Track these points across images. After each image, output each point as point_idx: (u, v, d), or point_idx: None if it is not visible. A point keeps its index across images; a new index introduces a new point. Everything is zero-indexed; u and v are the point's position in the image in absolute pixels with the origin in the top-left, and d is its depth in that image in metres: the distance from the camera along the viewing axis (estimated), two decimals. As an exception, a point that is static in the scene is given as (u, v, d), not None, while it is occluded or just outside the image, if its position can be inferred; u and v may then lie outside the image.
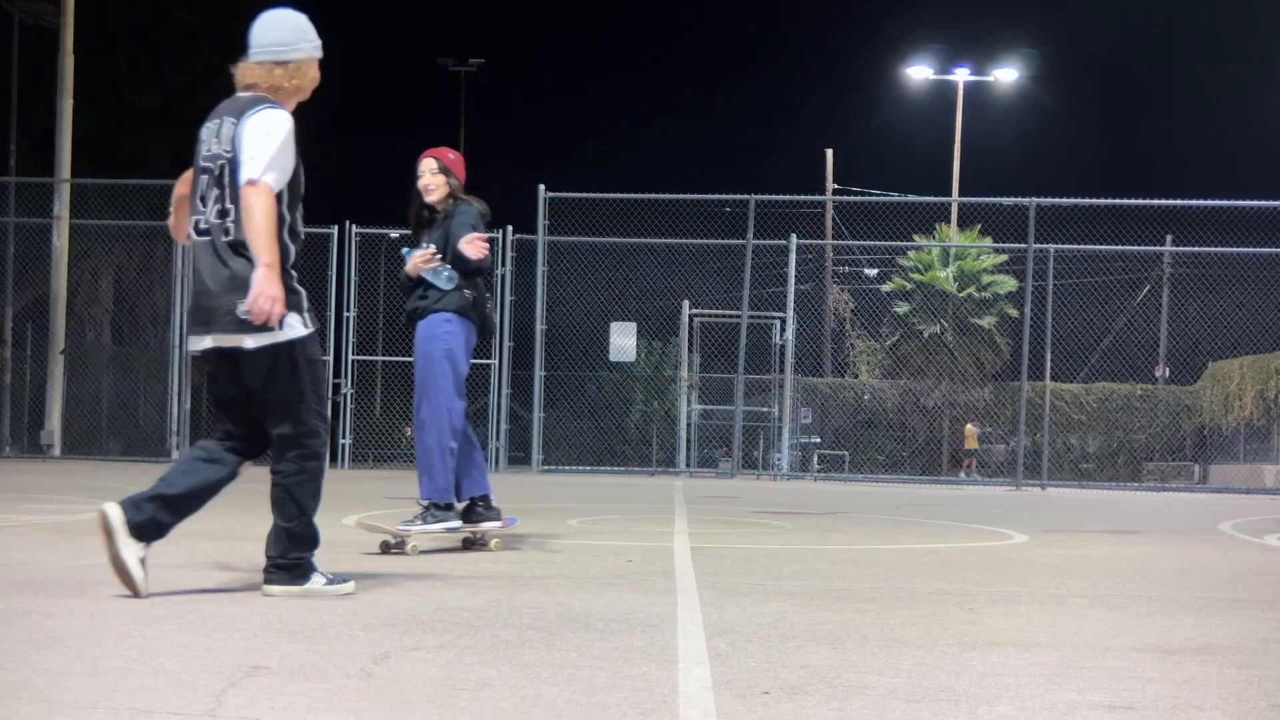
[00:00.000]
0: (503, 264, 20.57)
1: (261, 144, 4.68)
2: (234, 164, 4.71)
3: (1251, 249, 21.40)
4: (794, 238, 21.41)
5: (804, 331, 24.19)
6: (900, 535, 9.15)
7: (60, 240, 21.34)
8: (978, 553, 7.74)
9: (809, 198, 25.16)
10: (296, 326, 4.74)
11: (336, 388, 20.72)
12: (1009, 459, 26.51)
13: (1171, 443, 30.08)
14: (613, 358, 23.28)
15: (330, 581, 4.83)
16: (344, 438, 20.81)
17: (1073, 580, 6.13)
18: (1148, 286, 29.51)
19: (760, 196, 20.71)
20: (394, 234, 23.23)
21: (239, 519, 8.82)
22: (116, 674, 3.29)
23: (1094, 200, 20.84)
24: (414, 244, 6.89)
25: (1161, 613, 5.00)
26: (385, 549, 6.49)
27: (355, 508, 10.09)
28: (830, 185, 37.59)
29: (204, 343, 4.79)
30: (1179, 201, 20.81)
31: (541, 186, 20.22)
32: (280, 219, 4.70)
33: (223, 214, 4.74)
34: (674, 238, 21.75)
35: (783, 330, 21.97)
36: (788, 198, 21.72)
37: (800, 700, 3.20)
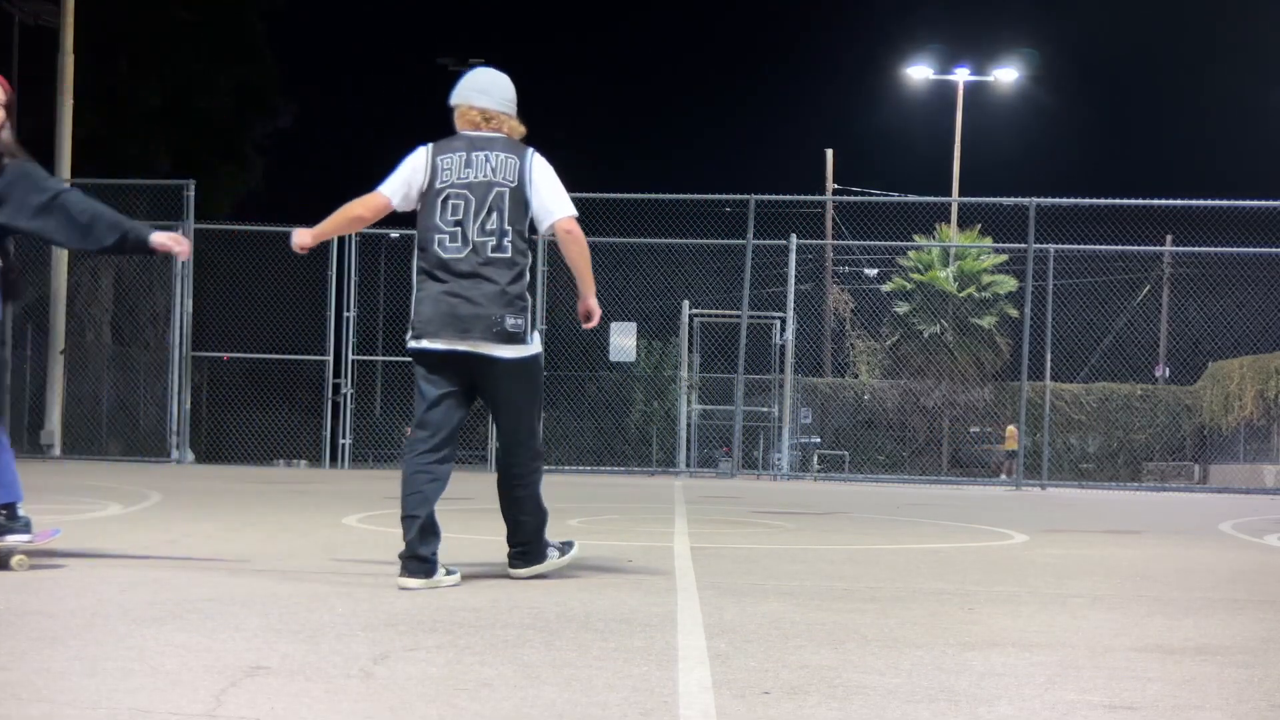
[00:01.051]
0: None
1: (559, 185, 5.40)
2: (518, 195, 5.31)
3: (1251, 249, 21.39)
4: (794, 238, 21.40)
5: (804, 331, 24.19)
6: (900, 535, 9.15)
7: (60, 240, 21.28)
8: (978, 553, 7.74)
9: (809, 198, 25.15)
10: (538, 342, 5.45)
11: (336, 388, 20.73)
12: (1009, 459, 26.52)
13: (1171, 443, 30.07)
14: (613, 358, 23.26)
15: (561, 551, 5.61)
16: (344, 438, 20.80)
17: (1073, 580, 6.13)
18: (1148, 286, 29.51)
19: (760, 196, 20.69)
20: (394, 234, 23.23)
21: (237, 519, 8.84)
22: (116, 674, 3.29)
23: (1094, 200, 20.83)
24: None
25: (1161, 613, 5.00)
26: None
27: (355, 508, 10.10)
28: (830, 185, 37.59)
29: (457, 345, 5.25)
30: (1179, 201, 20.79)
31: (541, 186, 20.17)
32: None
33: (495, 233, 5.27)
34: (674, 238, 21.74)
35: (783, 330, 21.96)
36: (788, 198, 21.71)
37: (800, 700, 3.20)
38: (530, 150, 5.43)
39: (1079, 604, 5.21)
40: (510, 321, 5.24)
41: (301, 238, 5.56)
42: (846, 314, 31.97)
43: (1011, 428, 28.97)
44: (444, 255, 5.27)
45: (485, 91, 5.50)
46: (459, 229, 5.28)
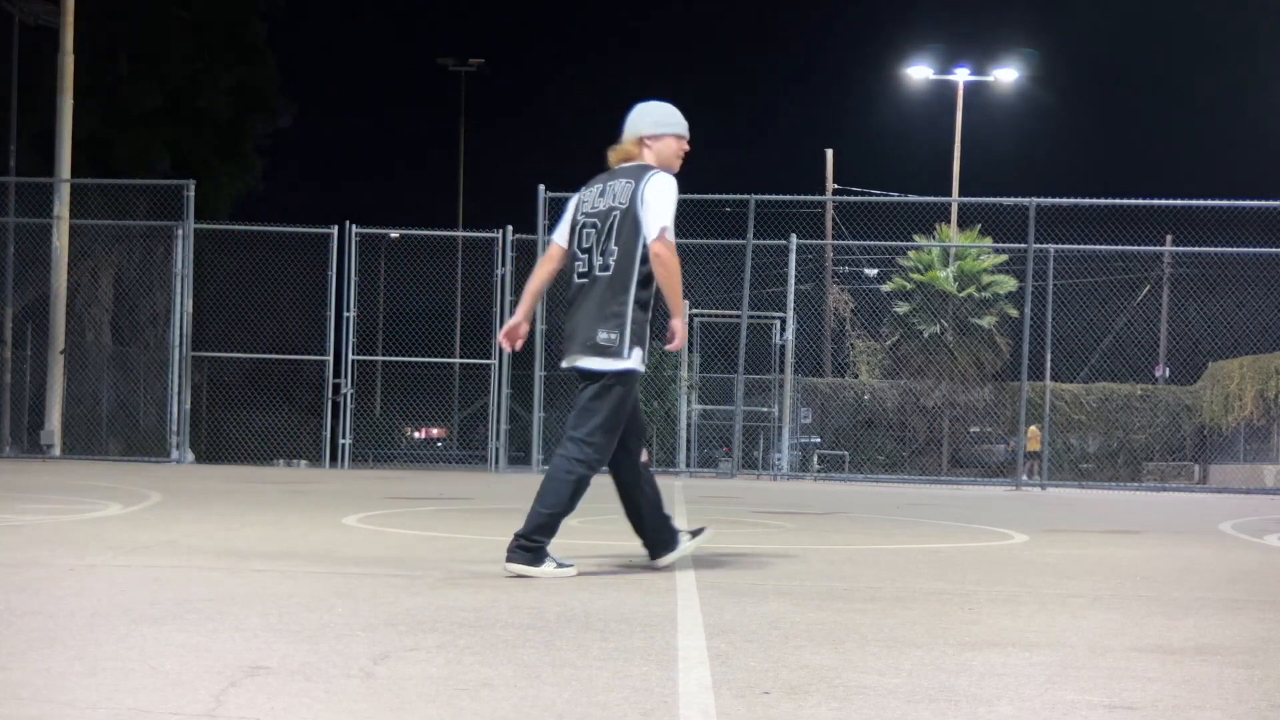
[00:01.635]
0: (503, 264, 20.57)
1: (667, 204, 5.60)
2: (629, 215, 5.60)
3: (1251, 249, 21.37)
4: (794, 238, 21.39)
5: (804, 331, 24.18)
6: (900, 535, 9.15)
7: (60, 240, 21.31)
8: (978, 553, 7.74)
9: (809, 198, 25.10)
10: (635, 360, 5.64)
11: (336, 388, 20.72)
12: (1009, 459, 26.51)
13: (1171, 443, 30.08)
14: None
15: (559, 566, 5.61)
16: (344, 438, 20.80)
17: (1073, 580, 6.13)
18: (1148, 286, 29.52)
19: (760, 196, 20.68)
20: (394, 234, 23.23)
21: (237, 519, 8.84)
22: (116, 674, 3.29)
23: (1094, 200, 20.80)
24: None
25: (1161, 613, 5.00)
26: None
27: (356, 508, 10.09)
28: (830, 185, 37.62)
29: (573, 361, 5.71)
30: (1179, 201, 20.75)
31: (541, 186, 20.21)
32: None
33: (607, 254, 5.63)
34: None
35: (783, 330, 21.96)
36: (788, 198, 21.67)
37: (800, 700, 3.20)
38: (651, 172, 5.70)
39: (1079, 604, 5.21)
40: (602, 335, 5.59)
41: (515, 327, 5.94)
42: (846, 314, 31.98)
43: (1034, 428, 28.94)
44: (577, 280, 5.76)
45: (623, 134, 5.86)
46: (587, 256, 5.71)
